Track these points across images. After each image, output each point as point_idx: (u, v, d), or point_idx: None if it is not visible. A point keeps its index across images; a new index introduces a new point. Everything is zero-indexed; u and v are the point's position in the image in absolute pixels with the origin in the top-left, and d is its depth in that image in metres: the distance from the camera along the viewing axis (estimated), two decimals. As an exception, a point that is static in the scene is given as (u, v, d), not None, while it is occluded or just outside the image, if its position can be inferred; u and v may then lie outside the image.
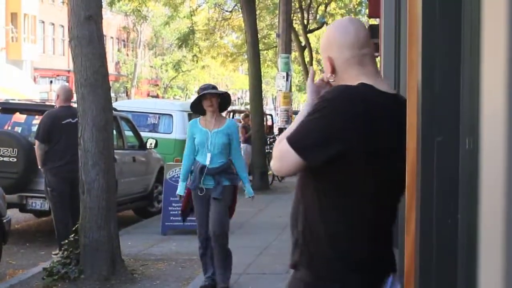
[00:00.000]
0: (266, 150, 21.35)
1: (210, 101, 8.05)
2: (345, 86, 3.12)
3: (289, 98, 24.47)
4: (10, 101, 14.37)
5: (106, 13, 38.60)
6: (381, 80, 3.23)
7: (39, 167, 10.44)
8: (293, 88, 47.36)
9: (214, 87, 8.28)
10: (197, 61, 34.65)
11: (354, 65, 3.19)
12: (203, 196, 8.09)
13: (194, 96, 75.44)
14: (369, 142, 3.02)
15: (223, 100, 8.33)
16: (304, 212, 3.18)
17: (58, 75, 52.27)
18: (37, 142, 10.29)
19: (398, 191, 3.16)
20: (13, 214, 10.62)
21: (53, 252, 10.05)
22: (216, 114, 8.15)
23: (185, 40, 29.59)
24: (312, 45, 37.82)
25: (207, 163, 8.00)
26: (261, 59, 24.02)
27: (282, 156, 3.08)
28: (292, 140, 3.04)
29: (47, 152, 10.19)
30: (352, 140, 3.00)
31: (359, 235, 3.12)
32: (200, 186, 8.05)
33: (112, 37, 60.82)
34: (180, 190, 8.29)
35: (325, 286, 3.12)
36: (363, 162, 3.05)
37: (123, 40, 64.62)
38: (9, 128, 12.69)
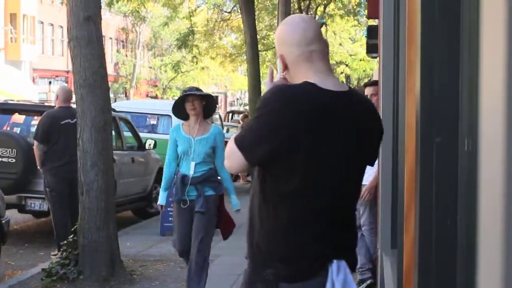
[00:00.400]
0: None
1: (193, 104, 7.37)
2: (282, 85, 3.27)
3: (288, 99, 24.41)
4: (9, 102, 14.36)
5: (105, 13, 38.59)
6: (331, 77, 3.28)
7: (38, 167, 10.43)
8: (292, 89, 47.35)
9: (198, 90, 7.67)
10: (196, 62, 34.63)
11: (302, 62, 3.26)
12: (187, 209, 7.40)
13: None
14: (304, 139, 3.10)
15: (208, 104, 7.64)
16: (251, 206, 3.36)
17: (57, 76, 52.26)
18: (35, 143, 10.29)
19: (341, 186, 3.25)
20: (12, 215, 10.61)
21: (52, 253, 10.05)
22: (200, 119, 7.46)
23: (185, 41, 29.59)
24: (311, 46, 37.77)
25: (191, 173, 7.36)
26: (260, 60, 24.00)
27: (230, 155, 3.25)
28: (237, 140, 3.21)
29: (45, 152, 10.19)
30: (286, 138, 3.09)
31: (293, 230, 3.20)
32: (183, 199, 7.38)
33: (111, 38, 60.80)
34: (161, 200, 7.61)
35: (260, 277, 3.24)
36: (298, 160, 3.12)
37: (122, 41, 64.60)
38: (8, 128, 12.69)
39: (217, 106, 68.56)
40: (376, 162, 5.80)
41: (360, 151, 3.26)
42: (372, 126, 3.31)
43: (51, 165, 10.16)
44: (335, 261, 3.17)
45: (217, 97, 74.05)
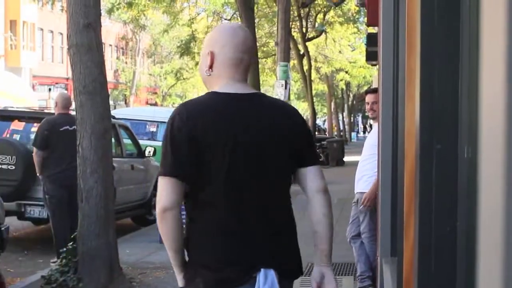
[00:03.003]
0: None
1: None
2: (180, 104, 3.54)
3: (288, 106, 24.42)
4: (9, 109, 14.36)
5: (105, 21, 38.62)
6: (243, 84, 3.44)
7: (38, 174, 10.42)
8: (292, 96, 47.39)
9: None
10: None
11: (231, 65, 3.40)
12: None
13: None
14: (196, 144, 3.24)
15: None
16: None
17: (56, 83, 52.28)
18: (35, 149, 10.29)
19: (252, 191, 3.29)
20: (11, 222, 10.60)
21: (52, 260, 10.03)
22: None
23: (187, 48, 29.59)
24: (310, 53, 37.83)
25: None
26: (260, 67, 24.02)
27: (160, 192, 3.34)
28: (159, 172, 3.37)
29: (44, 159, 10.18)
30: (186, 147, 3.26)
31: (217, 239, 3.26)
32: None
33: (111, 45, 60.86)
34: None
35: (193, 286, 3.30)
36: (204, 169, 3.26)
37: (122, 48, 64.67)
38: (8, 135, 12.68)
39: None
40: (376, 169, 5.93)
41: (273, 152, 3.32)
42: (284, 126, 3.37)
43: (50, 172, 10.16)
44: (262, 270, 3.20)
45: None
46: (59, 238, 9.99)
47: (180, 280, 3.39)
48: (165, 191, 3.28)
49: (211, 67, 3.43)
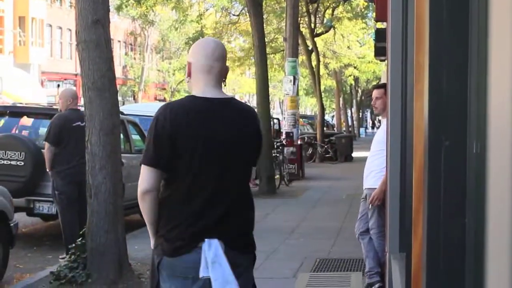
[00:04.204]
0: (273, 154, 21.32)
1: None
2: (163, 105, 4.22)
3: (296, 102, 24.46)
4: (18, 105, 14.38)
5: (114, 17, 38.63)
6: (217, 89, 4.15)
7: (47, 170, 10.43)
8: (300, 92, 47.41)
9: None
10: None
11: (203, 72, 4.11)
12: None
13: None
14: (173, 136, 4.00)
15: None
16: None
17: (65, 79, 52.38)
18: (47, 144, 10.28)
19: (215, 179, 4.05)
20: (20, 218, 10.63)
21: (60, 256, 10.06)
22: None
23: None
24: (319, 49, 37.78)
25: None
26: (268, 63, 24.00)
27: (141, 176, 4.10)
28: (141, 160, 4.17)
29: (56, 155, 10.19)
30: (160, 138, 4.05)
31: (171, 216, 4.07)
32: None
33: (119, 41, 60.92)
34: None
35: (155, 252, 4.15)
36: (179, 161, 4.02)
37: (131, 44, 64.72)
38: (17, 131, 12.71)
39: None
40: (384, 165, 5.99)
41: (237, 148, 4.09)
42: (249, 123, 4.19)
43: (60, 168, 10.17)
44: (206, 240, 3.96)
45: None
46: (67, 234, 10.01)
47: (152, 243, 4.18)
48: (146, 177, 4.05)
49: (189, 74, 4.18)
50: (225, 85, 4.22)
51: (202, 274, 3.95)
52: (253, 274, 4.30)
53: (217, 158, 4.02)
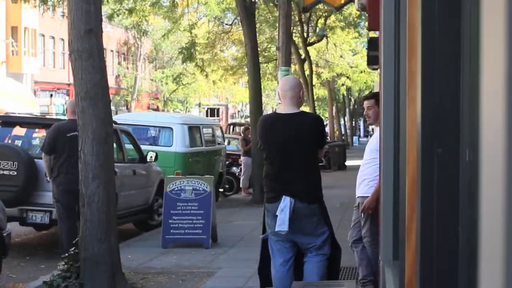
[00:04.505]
0: (266, 163, 21.30)
1: None
2: (263, 115, 7.47)
3: (289, 111, 24.44)
4: (10, 115, 14.37)
5: (106, 26, 38.61)
6: (289, 108, 6.92)
7: (48, 178, 10.52)
8: (293, 101, 47.29)
9: None
10: (206, 75, 34.57)
11: (281, 96, 6.98)
12: None
13: (194, 109, 75.12)
14: (264, 137, 7.00)
15: None
16: None
17: (58, 89, 52.32)
18: (43, 154, 10.41)
19: (286, 159, 6.83)
20: (13, 228, 10.61)
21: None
22: None
23: (189, 53, 29.57)
24: (312, 58, 37.86)
25: None
26: (261, 72, 24.03)
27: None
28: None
29: (53, 164, 10.29)
30: (259, 137, 7.14)
31: (267, 181, 6.99)
32: None
33: (112, 51, 60.90)
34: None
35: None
36: (265, 146, 7.01)
37: (123, 54, 64.72)
38: (9, 141, 12.69)
39: (219, 118, 68.35)
40: (376, 173, 6.25)
41: (299, 138, 6.78)
42: (305, 127, 6.86)
43: (55, 176, 10.24)
44: (283, 196, 6.69)
45: (218, 109, 74.19)
46: (65, 242, 10.00)
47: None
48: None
49: (279, 99, 7.14)
50: (302, 104, 7.20)
51: (277, 213, 6.70)
52: (319, 218, 6.90)
53: (284, 147, 6.75)
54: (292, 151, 6.73)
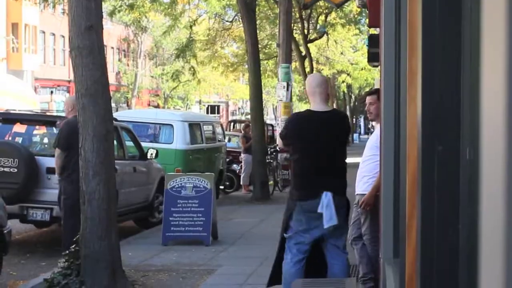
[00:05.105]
0: (267, 160, 21.32)
1: None
2: (295, 112, 8.40)
3: (290, 108, 24.41)
4: (11, 112, 14.37)
5: (107, 23, 38.59)
6: (321, 106, 7.21)
7: (57, 175, 10.41)
8: (294, 98, 47.36)
9: None
10: (193, 73, 34.54)
11: (311, 95, 7.26)
12: None
13: (194, 107, 75.12)
14: (299, 134, 7.14)
15: None
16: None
17: (58, 85, 52.30)
18: (57, 151, 10.26)
19: (324, 155, 7.06)
20: (13, 225, 10.61)
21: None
22: None
23: (183, 51, 29.56)
24: (312, 55, 37.83)
25: None
26: (261, 69, 24.01)
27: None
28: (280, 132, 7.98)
29: (65, 160, 10.16)
30: (290, 135, 7.27)
31: (302, 177, 7.15)
32: None
33: (112, 47, 60.88)
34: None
35: (290, 198, 7.28)
36: (299, 143, 7.16)
37: (124, 50, 64.68)
38: (10, 138, 12.69)
39: (219, 115, 68.34)
40: (375, 170, 6.40)
41: (332, 136, 7.12)
42: (337, 125, 7.25)
43: (68, 173, 10.13)
44: (324, 192, 6.89)
45: (218, 106, 74.16)
46: (69, 240, 9.99)
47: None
48: (280, 143, 8.23)
49: (307, 97, 7.50)
50: (328, 101, 7.68)
51: (319, 210, 6.88)
52: (344, 210, 7.17)
53: (321, 143, 7.02)
54: (328, 147, 7.04)
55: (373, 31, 17.00)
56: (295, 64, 33.66)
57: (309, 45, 35.88)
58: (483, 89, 1.17)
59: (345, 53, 42.82)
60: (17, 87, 25.41)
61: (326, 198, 6.88)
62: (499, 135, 1.07)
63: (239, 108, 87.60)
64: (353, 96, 67.12)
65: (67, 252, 8.69)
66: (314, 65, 39.17)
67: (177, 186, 12.01)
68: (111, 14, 28.16)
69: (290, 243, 7.22)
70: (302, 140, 7.09)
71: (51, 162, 11.39)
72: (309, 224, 7.05)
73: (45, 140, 13.66)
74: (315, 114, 7.13)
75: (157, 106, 59.64)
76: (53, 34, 53.40)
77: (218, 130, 21.51)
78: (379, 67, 8.26)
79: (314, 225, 7.04)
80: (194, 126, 18.69)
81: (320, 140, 7.02)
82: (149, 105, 61.67)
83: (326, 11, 36.21)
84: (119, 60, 62.99)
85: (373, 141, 7.81)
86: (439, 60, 2.80)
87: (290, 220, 7.16)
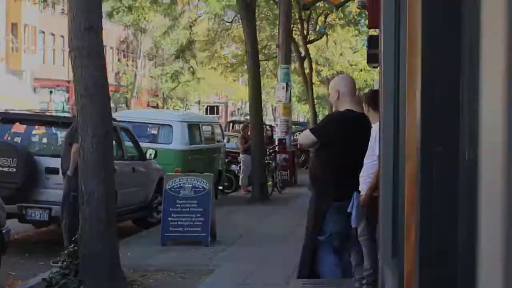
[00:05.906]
0: (266, 161, 21.31)
1: None
2: (336, 111, 7.96)
3: (289, 109, 24.49)
4: (10, 111, 14.36)
5: (106, 23, 38.51)
6: (357, 107, 7.45)
7: (69, 172, 10.33)
8: (293, 99, 47.35)
9: None
10: (193, 73, 34.47)
11: (347, 96, 7.57)
12: None
13: (194, 107, 75.13)
14: (342, 135, 7.41)
15: None
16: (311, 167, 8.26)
17: (58, 86, 52.25)
18: (75, 146, 10.14)
19: (353, 157, 7.19)
20: (12, 225, 10.60)
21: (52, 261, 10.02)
22: None
23: (182, 51, 29.53)
24: (312, 56, 37.82)
25: None
26: (261, 70, 24.01)
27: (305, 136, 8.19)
28: (312, 130, 8.08)
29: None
30: (332, 134, 7.48)
31: (337, 177, 7.36)
32: None
33: (112, 48, 60.80)
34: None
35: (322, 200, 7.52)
36: (340, 143, 7.41)
37: (123, 51, 64.62)
38: (9, 138, 12.69)
39: (218, 116, 68.26)
40: (371, 170, 7.49)
41: (366, 138, 7.02)
42: (369, 128, 7.06)
43: None
44: (355, 193, 7.03)
45: (217, 106, 74.16)
46: (70, 239, 9.96)
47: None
48: (309, 140, 7.89)
49: (338, 98, 7.56)
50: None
51: (349, 210, 7.10)
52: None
53: (359, 145, 7.08)
54: (362, 149, 7.07)
55: (373, 32, 16.99)
56: (294, 65, 33.68)
57: (308, 46, 35.88)
58: (483, 90, 1.17)
59: (344, 54, 42.82)
60: (15, 89, 25.33)
61: (356, 199, 7.06)
62: (498, 135, 1.07)
63: (238, 109, 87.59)
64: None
65: (66, 251, 8.68)
66: (314, 66, 39.18)
67: (176, 186, 12.00)
68: (111, 15, 28.15)
69: (333, 243, 7.51)
70: (345, 140, 7.35)
71: (50, 162, 11.41)
72: (342, 224, 7.30)
73: (44, 140, 13.67)
74: (357, 115, 7.37)
75: (156, 107, 59.63)
76: (53, 34, 53.35)
77: (217, 130, 21.51)
78: (378, 68, 8.26)
79: (346, 225, 7.25)
80: (193, 127, 18.69)
81: (359, 141, 7.14)
82: (148, 105, 61.64)
83: (326, 12, 36.22)
84: (119, 60, 62.95)
85: (370, 141, 7.81)
86: (439, 61, 2.80)
87: (324, 221, 7.41)
